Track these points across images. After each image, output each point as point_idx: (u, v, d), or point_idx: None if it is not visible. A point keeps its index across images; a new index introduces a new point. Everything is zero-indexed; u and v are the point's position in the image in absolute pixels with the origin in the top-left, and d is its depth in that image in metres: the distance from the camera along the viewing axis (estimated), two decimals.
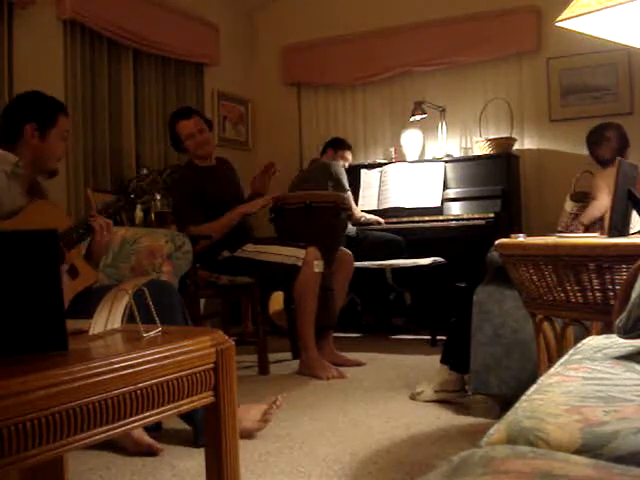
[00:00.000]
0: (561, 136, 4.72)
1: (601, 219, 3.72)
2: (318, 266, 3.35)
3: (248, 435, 2.26)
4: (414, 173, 4.69)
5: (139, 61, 4.53)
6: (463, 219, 4.36)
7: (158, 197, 3.01)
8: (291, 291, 3.41)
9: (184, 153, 3.63)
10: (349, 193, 4.28)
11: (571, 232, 3.52)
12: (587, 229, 3.76)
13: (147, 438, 2.18)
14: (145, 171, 2.22)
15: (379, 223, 4.54)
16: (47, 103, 2.25)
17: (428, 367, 3.30)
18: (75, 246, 2.09)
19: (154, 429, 2.28)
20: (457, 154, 4.92)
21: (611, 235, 1.86)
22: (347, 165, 4.65)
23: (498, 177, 4.47)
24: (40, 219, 2.09)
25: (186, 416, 2.08)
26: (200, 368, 1.26)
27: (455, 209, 4.54)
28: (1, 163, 2.07)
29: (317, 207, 3.56)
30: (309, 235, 3.45)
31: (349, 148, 4.77)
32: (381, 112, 5.30)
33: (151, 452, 2.16)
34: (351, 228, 4.25)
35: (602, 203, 3.68)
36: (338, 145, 4.69)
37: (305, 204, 3.55)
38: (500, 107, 4.77)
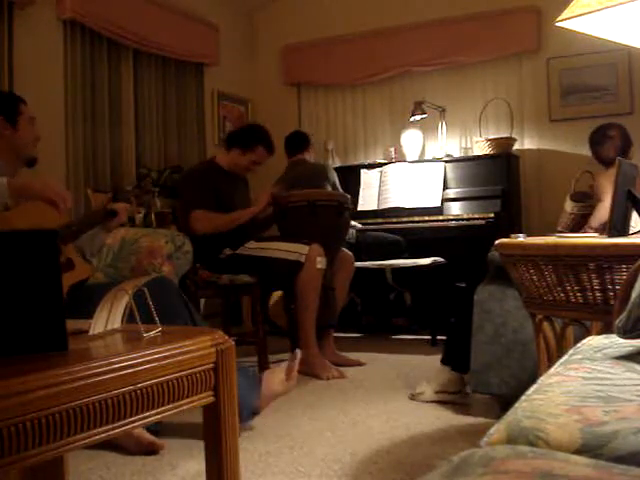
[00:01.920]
0: (561, 136, 4.72)
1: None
2: (321, 262, 3.35)
3: (281, 395, 2.39)
4: (414, 173, 4.68)
5: (139, 61, 4.54)
6: (463, 219, 4.36)
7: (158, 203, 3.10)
8: (293, 287, 3.41)
9: (228, 150, 3.61)
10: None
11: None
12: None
13: (148, 435, 2.18)
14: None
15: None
16: (6, 97, 2.48)
17: (428, 367, 3.30)
18: (88, 231, 2.30)
19: (152, 429, 2.28)
20: (457, 154, 4.92)
21: (611, 235, 1.86)
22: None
23: (498, 177, 4.47)
24: (35, 213, 2.13)
25: None
26: (200, 368, 1.26)
27: (455, 209, 4.54)
28: None
29: (321, 206, 3.56)
30: (312, 234, 3.45)
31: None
32: (381, 112, 5.30)
33: (153, 449, 2.16)
34: (351, 235, 4.24)
35: (609, 204, 3.66)
36: (309, 141, 4.50)
37: (309, 202, 3.55)
38: (500, 107, 4.77)
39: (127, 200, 2.43)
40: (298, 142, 4.42)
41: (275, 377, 2.37)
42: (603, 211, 3.77)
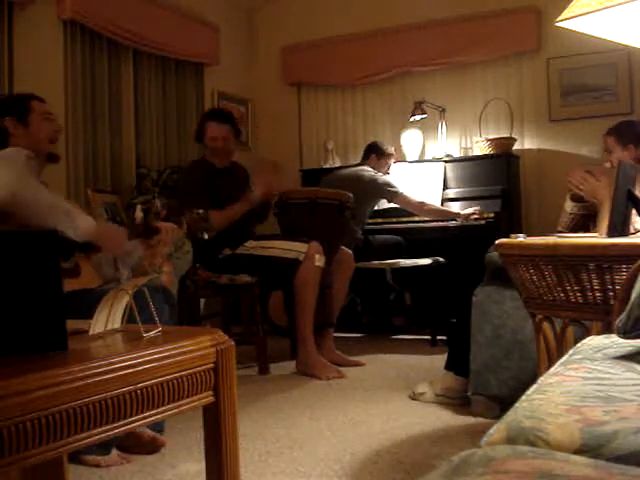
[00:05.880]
0: (561, 136, 4.72)
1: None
2: (319, 260, 3.34)
3: None
4: (414, 173, 4.68)
5: (139, 61, 4.53)
6: None
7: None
8: (291, 286, 3.40)
9: (202, 145, 3.66)
10: (402, 192, 4.18)
11: None
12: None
13: (149, 432, 2.17)
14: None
15: (475, 217, 4.22)
16: (15, 97, 2.48)
17: (428, 367, 3.30)
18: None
19: (157, 429, 2.27)
20: (457, 154, 4.92)
21: (611, 235, 1.86)
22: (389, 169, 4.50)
23: (498, 177, 4.46)
24: None
25: None
26: (200, 368, 1.26)
27: (455, 209, 4.53)
28: (16, 154, 2.18)
29: (322, 204, 3.56)
30: (312, 231, 3.45)
31: (390, 155, 4.53)
32: (381, 112, 5.29)
33: (155, 446, 2.16)
34: (359, 234, 4.21)
35: None
36: (381, 153, 4.46)
37: (310, 200, 3.55)
38: (500, 107, 4.76)
39: (178, 222, 2.40)
40: (364, 152, 4.53)
41: None
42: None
